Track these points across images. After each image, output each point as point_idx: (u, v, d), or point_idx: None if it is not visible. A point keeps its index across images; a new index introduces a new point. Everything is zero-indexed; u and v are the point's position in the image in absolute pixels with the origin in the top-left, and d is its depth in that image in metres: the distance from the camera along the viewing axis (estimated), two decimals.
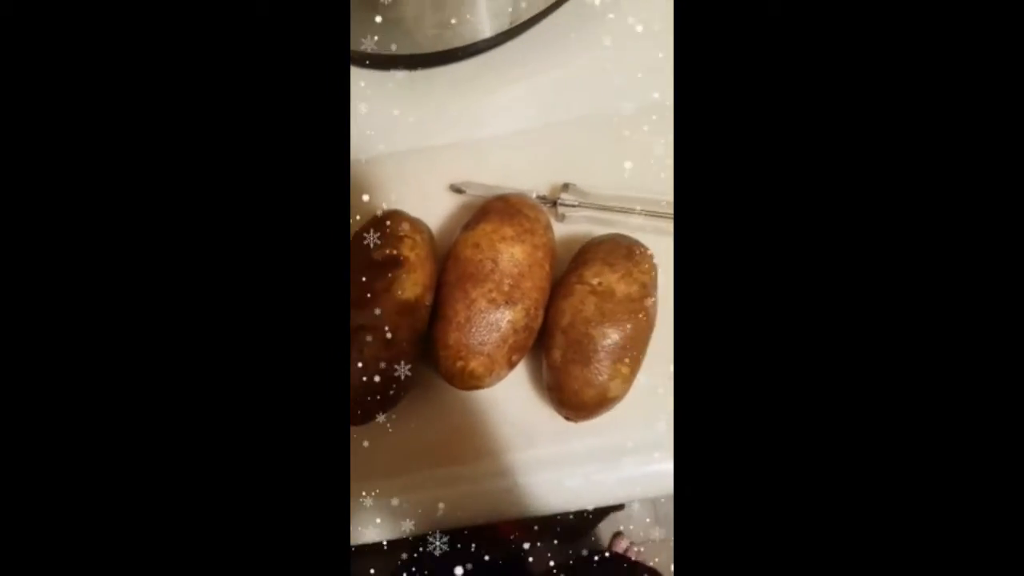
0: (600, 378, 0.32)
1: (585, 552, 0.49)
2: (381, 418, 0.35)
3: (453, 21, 0.40)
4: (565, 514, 0.41)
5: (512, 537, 0.54)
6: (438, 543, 0.37)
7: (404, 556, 0.41)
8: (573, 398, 0.33)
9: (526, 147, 0.44)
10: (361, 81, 0.46)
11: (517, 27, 0.44)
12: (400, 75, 0.46)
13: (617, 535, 0.94)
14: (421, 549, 0.38)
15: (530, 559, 0.52)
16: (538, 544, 0.55)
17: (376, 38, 0.39)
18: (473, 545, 0.42)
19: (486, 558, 0.44)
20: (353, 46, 0.41)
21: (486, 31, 0.43)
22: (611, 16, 0.45)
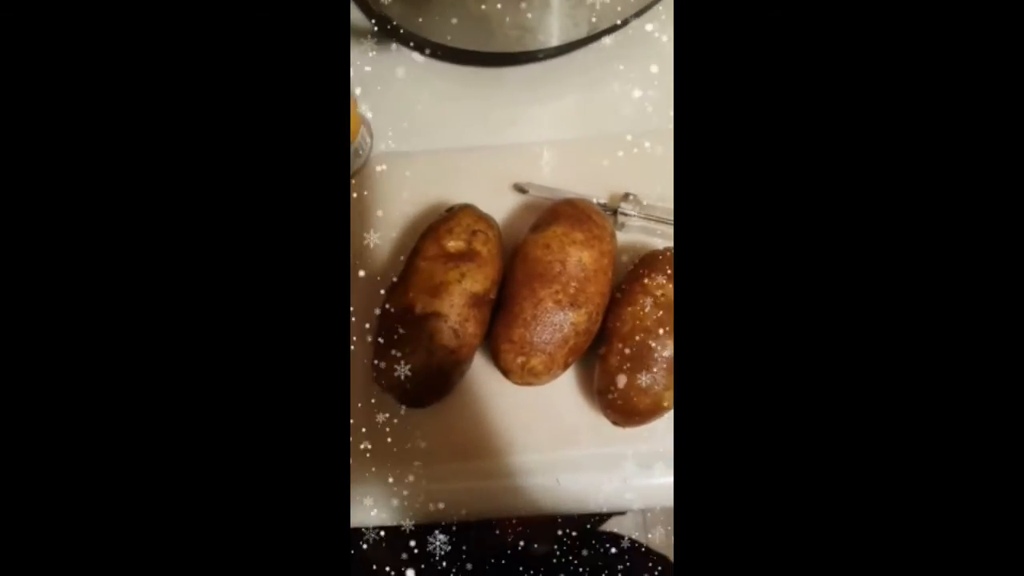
0: (656, 387, 0.33)
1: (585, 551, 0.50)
2: (432, 404, 0.36)
3: (536, 20, 0.41)
4: (565, 521, 0.42)
5: (514, 538, 0.55)
6: (438, 543, 0.38)
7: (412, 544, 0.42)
8: (627, 404, 0.34)
9: (583, 155, 0.45)
10: (426, 73, 0.46)
11: (585, 38, 0.45)
12: (468, 71, 0.47)
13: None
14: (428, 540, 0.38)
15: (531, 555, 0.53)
16: (536, 545, 0.56)
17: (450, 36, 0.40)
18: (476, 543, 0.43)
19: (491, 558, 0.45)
20: (436, 37, 0.42)
21: (554, 39, 0.44)
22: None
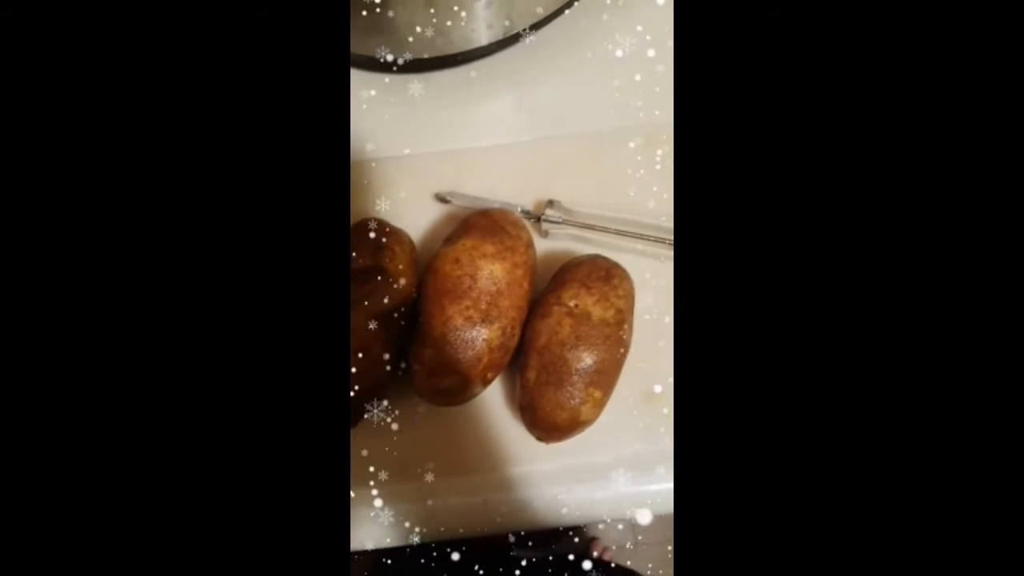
0: (572, 402, 0.32)
1: (571, 557, 0.49)
2: (367, 421, 0.35)
3: (448, 25, 0.39)
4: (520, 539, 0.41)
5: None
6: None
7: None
8: (545, 419, 0.33)
9: (513, 160, 0.43)
10: (351, 81, 0.45)
11: (510, 38, 0.44)
12: (388, 79, 0.45)
13: (593, 540, 0.94)
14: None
15: (511, 561, 0.52)
16: (514, 550, 0.55)
17: (370, 40, 0.38)
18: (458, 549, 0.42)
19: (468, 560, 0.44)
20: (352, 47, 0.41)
21: (481, 39, 0.43)
22: (603, 34, 0.45)
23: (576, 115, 0.44)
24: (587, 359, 0.32)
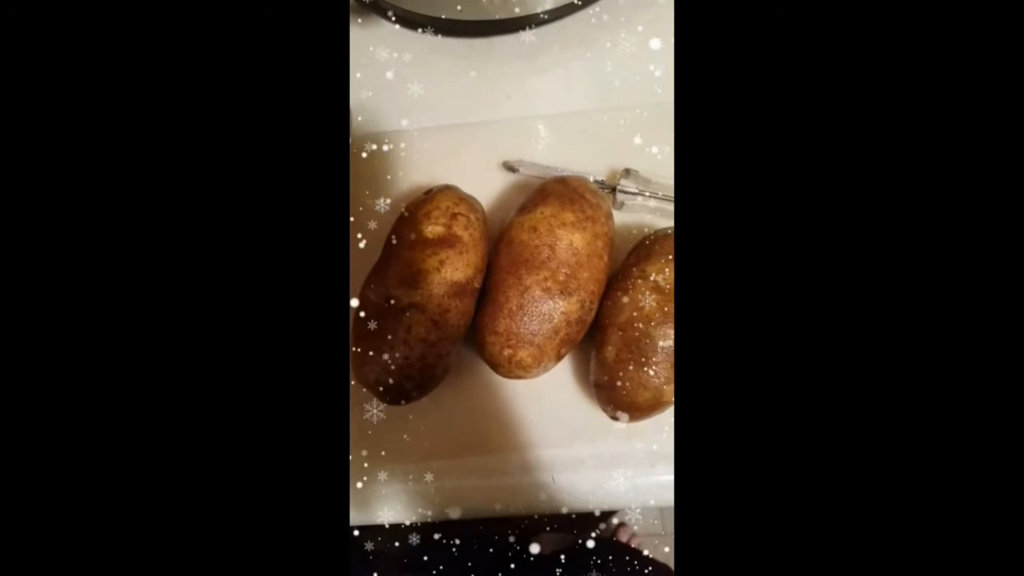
0: (656, 380, 0.31)
1: (591, 544, 0.48)
2: (417, 400, 0.34)
3: None
4: (563, 522, 0.40)
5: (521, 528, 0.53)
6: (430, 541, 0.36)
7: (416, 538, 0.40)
8: (625, 398, 0.31)
9: (582, 129, 0.41)
10: (413, 47, 0.43)
11: (577, 4, 0.42)
12: (456, 44, 0.43)
13: (621, 525, 0.93)
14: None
15: (535, 544, 0.51)
16: (544, 531, 0.54)
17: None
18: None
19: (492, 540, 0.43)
20: (415, 7, 0.39)
21: (546, 3, 0.41)
22: None
23: (649, 84, 0.42)
24: (672, 336, 0.30)
